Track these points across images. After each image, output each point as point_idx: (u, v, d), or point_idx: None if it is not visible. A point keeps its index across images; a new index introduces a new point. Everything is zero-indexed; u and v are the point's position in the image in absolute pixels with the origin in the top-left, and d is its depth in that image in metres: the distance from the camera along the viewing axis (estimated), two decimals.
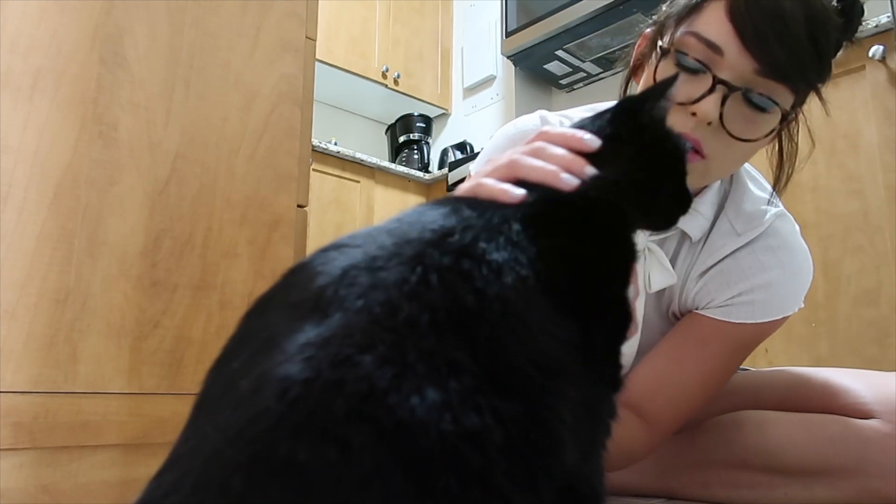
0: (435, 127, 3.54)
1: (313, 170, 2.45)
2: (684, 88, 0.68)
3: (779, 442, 0.79)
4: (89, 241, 0.79)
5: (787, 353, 1.75)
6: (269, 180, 0.98)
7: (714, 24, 0.68)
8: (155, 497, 0.31)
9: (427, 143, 3.40)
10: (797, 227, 0.85)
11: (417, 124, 3.39)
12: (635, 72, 0.82)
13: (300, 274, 0.39)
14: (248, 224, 0.95)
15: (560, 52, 2.76)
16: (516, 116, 0.99)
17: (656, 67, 0.72)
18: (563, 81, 3.00)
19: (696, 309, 0.82)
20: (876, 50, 1.67)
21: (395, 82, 3.23)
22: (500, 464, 0.33)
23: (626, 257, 0.48)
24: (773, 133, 0.73)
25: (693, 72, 0.69)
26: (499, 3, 3.01)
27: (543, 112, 0.91)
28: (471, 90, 3.41)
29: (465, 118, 3.44)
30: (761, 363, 1.77)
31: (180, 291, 0.86)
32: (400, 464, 0.30)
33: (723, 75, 0.67)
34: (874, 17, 1.70)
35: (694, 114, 0.68)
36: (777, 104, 0.69)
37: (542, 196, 0.48)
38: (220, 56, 0.95)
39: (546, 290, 0.41)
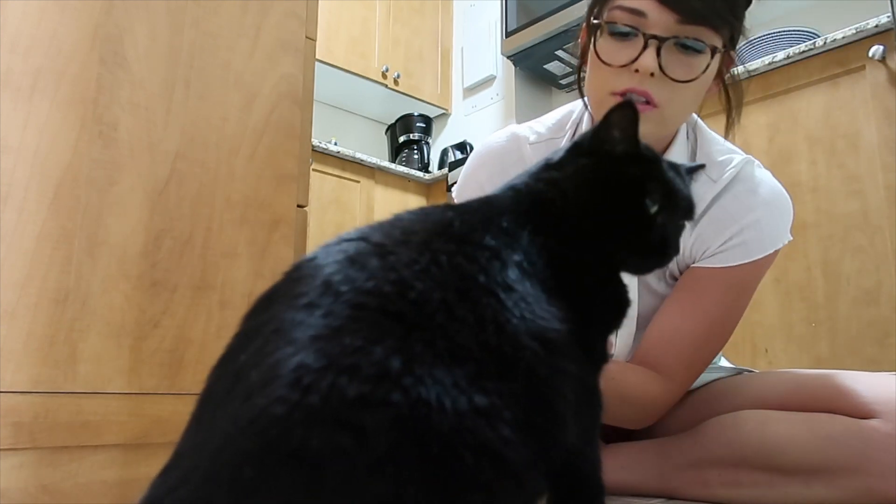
0: (435, 127, 3.54)
1: (313, 170, 2.45)
2: (623, 53, 0.79)
3: (779, 441, 0.79)
4: (89, 241, 0.79)
5: (787, 353, 1.75)
6: (269, 180, 0.98)
7: None
8: (161, 492, 0.31)
9: (427, 143, 3.40)
10: (767, 171, 0.92)
11: (417, 124, 3.39)
12: (584, 60, 0.90)
13: (305, 268, 0.39)
14: (248, 224, 0.95)
15: (560, 52, 2.76)
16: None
17: (594, 46, 0.82)
18: (563, 81, 3.00)
19: (693, 263, 0.88)
20: (876, 50, 1.67)
21: (395, 82, 3.23)
22: (510, 442, 0.33)
23: (605, 257, 0.50)
24: (709, 70, 0.80)
25: (626, 37, 0.79)
26: (499, 3, 3.01)
27: (513, 127, 0.98)
28: (471, 90, 3.41)
29: (465, 118, 3.44)
30: (761, 364, 1.77)
31: (180, 291, 0.86)
32: (415, 447, 0.30)
33: (651, 32, 0.78)
34: (874, 17, 1.70)
35: (637, 71, 0.78)
36: (705, 43, 0.78)
37: (514, 188, 0.52)
38: (220, 56, 0.95)
39: (535, 275, 0.44)
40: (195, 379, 0.86)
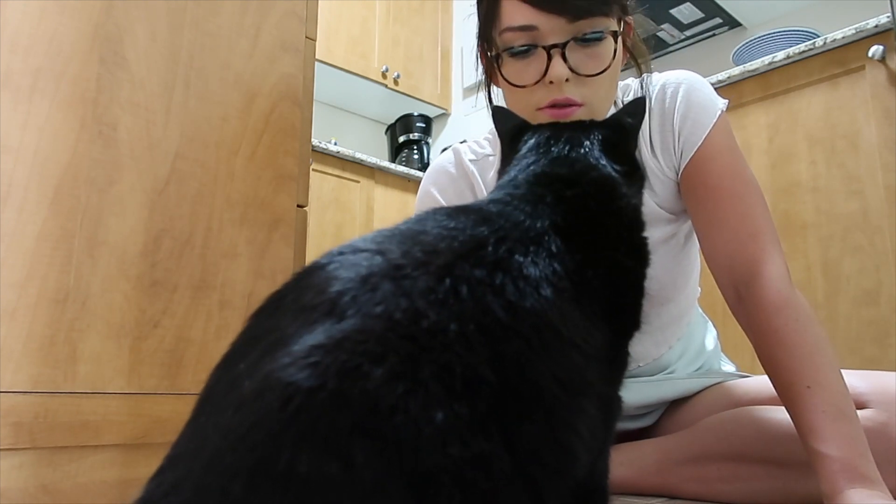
0: (435, 127, 3.54)
1: (313, 170, 2.45)
2: (531, 69, 0.79)
3: (776, 434, 0.80)
4: (89, 241, 0.79)
5: None
6: (268, 180, 0.98)
7: (514, 11, 0.78)
8: (155, 496, 0.31)
9: (427, 143, 3.40)
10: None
11: (417, 124, 3.39)
12: (493, 80, 0.91)
13: (315, 276, 0.37)
14: (248, 224, 0.94)
15: None
16: None
17: (501, 73, 0.82)
18: None
19: (679, 173, 0.89)
20: (876, 50, 1.67)
21: (395, 82, 3.23)
22: (507, 488, 0.32)
23: (646, 265, 0.51)
24: (617, 50, 0.80)
25: (526, 54, 0.79)
26: None
27: (455, 146, 1.03)
28: (471, 90, 3.41)
29: (464, 118, 3.44)
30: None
31: (180, 291, 0.86)
32: (403, 482, 0.29)
33: (549, 42, 0.77)
34: (874, 17, 1.70)
35: (551, 82, 0.77)
36: (602, 31, 0.78)
37: (583, 203, 0.49)
38: (220, 56, 0.95)
39: (581, 300, 0.41)
40: (195, 379, 0.86)
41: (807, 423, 0.67)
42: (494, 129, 1.00)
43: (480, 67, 0.93)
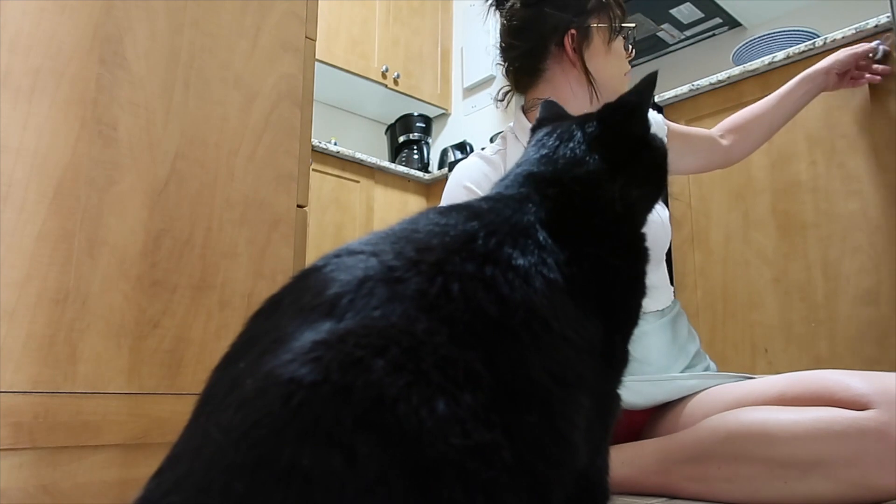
0: (435, 127, 3.54)
1: (313, 170, 2.45)
2: (621, 47, 1.15)
3: (778, 434, 0.80)
4: (89, 241, 0.79)
5: (786, 353, 1.75)
6: (268, 180, 0.98)
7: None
8: (156, 496, 0.31)
9: (427, 143, 3.40)
10: None
11: (417, 124, 3.39)
12: (580, 60, 1.14)
13: (313, 278, 0.38)
14: (248, 224, 0.95)
15: None
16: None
17: (617, 41, 1.14)
18: None
19: None
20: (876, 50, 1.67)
21: (395, 82, 3.23)
22: (508, 478, 0.32)
23: (644, 262, 0.51)
24: None
25: (624, 34, 1.15)
26: None
27: (479, 153, 1.22)
28: (471, 90, 3.41)
29: (464, 118, 3.44)
30: (761, 363, 1.77)
31: (180, 291, 0.86)
32: (405, 473, 0.29)
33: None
34: (874, 17, 1.70)
35: (633, 54, 1.17)
36: None
37: (566, 201, 0.49)
38: (220, 56, 0.95)
39: (572, 293, 0.41)
40: (195, 379, 0.86)
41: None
42: (498, 134, 1.21)
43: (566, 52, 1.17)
